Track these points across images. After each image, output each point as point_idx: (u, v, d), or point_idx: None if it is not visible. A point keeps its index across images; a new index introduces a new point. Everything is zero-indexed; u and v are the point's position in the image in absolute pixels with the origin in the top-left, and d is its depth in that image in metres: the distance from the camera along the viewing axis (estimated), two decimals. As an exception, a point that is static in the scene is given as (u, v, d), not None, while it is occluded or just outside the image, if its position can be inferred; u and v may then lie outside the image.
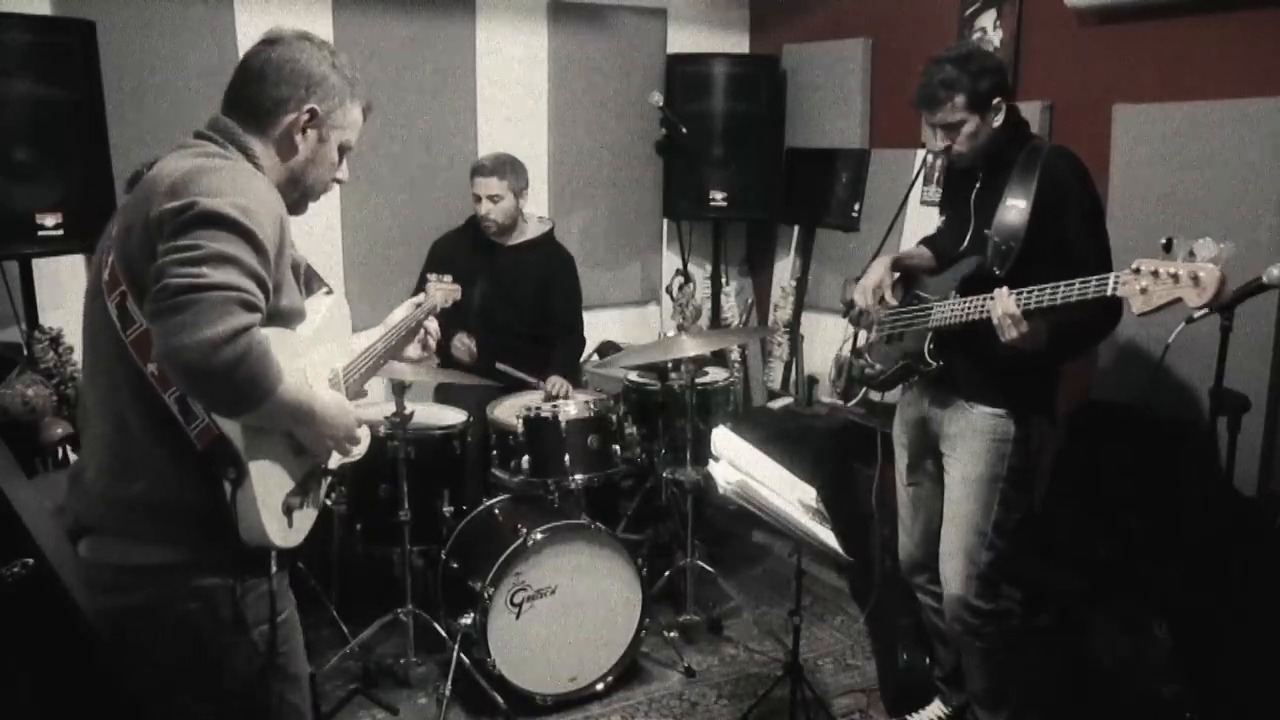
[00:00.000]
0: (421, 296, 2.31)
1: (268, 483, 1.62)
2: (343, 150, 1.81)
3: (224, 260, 1.46)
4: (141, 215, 1.55)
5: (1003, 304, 2.30)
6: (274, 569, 1.70)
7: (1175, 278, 2.00)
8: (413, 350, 2.20)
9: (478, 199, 3.79)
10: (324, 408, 1.66)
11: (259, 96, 1.71)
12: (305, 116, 1.72)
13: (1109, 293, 2.12)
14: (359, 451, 1.83)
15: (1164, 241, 2.05)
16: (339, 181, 1.85)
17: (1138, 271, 2.06)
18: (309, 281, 1.89)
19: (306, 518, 1.75)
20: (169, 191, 1.53)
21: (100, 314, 1.63)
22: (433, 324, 2.22)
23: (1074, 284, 2.19)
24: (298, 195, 1.78)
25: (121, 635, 1.69)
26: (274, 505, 1.64)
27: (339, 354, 1.89)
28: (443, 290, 2.45)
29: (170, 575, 1.63)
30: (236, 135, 1.69)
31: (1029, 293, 2.28)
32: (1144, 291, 2.05)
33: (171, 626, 1.65)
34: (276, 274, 1.58)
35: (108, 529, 1.66)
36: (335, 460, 1.80)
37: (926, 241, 2.95)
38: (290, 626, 1.77)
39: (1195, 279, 1.97)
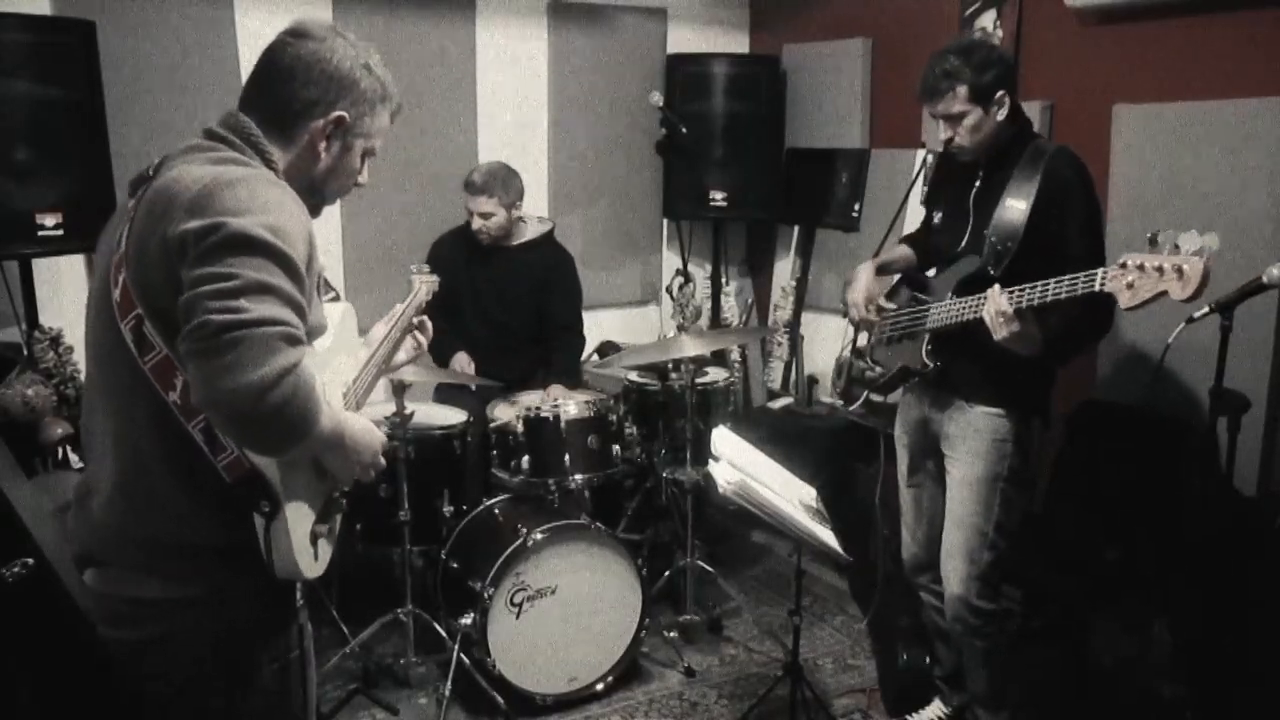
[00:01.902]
0: (398, 307, 2.22)
1: (297, 513, 1.55)
2: (366, 156, 1.70)
3: (263, 290, 1.35)
4: (158, 233, 1.43)
5: (994, 302, 2.30)
6: (300, 601, 1.62)
7: (1160, 271, 2.00)
8: (405, 352, 2.12)
9: (470, 213, 3.78)
10: (353, 432, 1.59)
11: (284, 97, 1.58)
12: (332, 124, 1.60)
13: (1097, 288, 2.12)
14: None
15: (1150, 236, 2.06)
16: (359, 186, 1.74)
17: (1124, 266, 2.06)
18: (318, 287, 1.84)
19: (328, 546, 1.68)
20: (189, 208, 1.40)
21: (111, 335, 1.50)
22: (426, 321, 2.15)
23: (1063, 280, 2.20)
24: (314, 202, 1.65)
25: (132, 666, 1.61)
26: (303, 536, 1.56)
27: (349, 366, 1.83)
28: (426, 283, 2.43)
29: (187, 610, 1.55)
30: (255, 138, 1.56)
31: (1019, 291, 2.28)
32: (1130, 286, 2.05)
33: (186, 661, 1.58)
34: (307, 293, 1.48)
35: (119, 562, 1.56)
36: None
37: (909, 240, 2.95)
38: (306, 660, 1.72)
39: (1179, 271, 1.98)
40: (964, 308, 2.45)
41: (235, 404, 1.32)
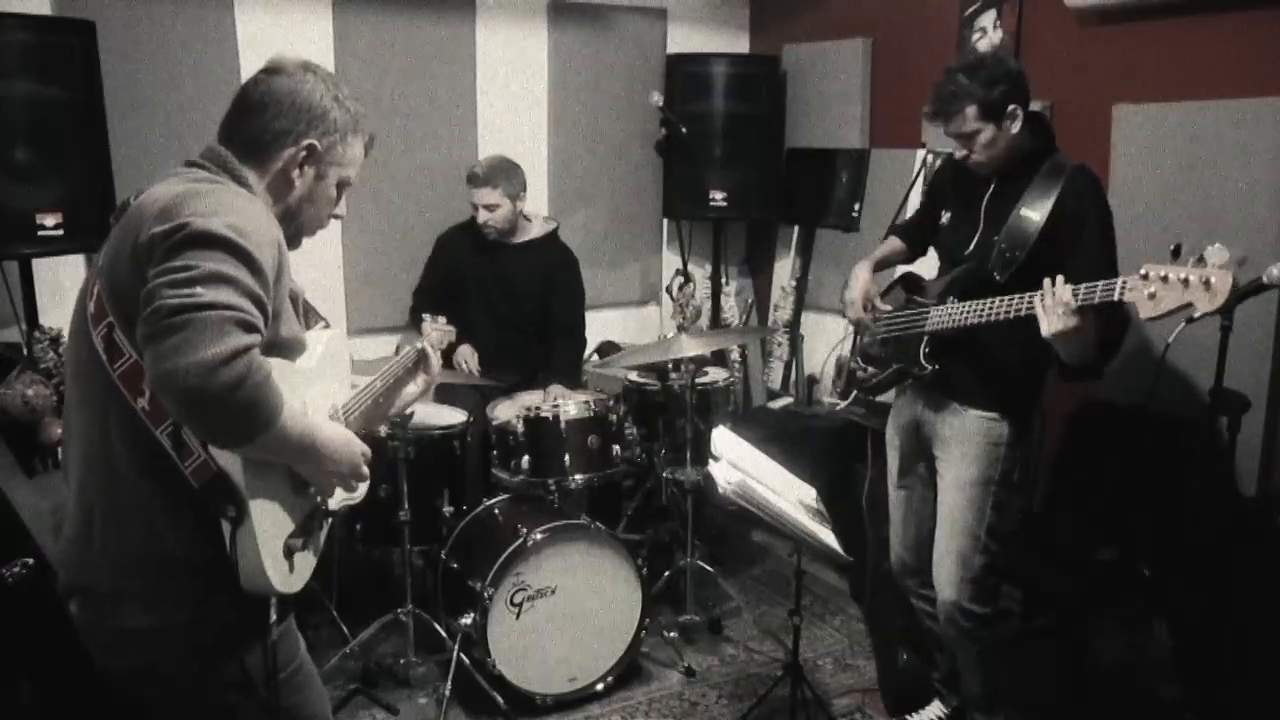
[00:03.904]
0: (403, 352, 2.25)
1: (268, 523, 1.53)
2: (341, 186, 1.75)
3: (219, 280, 1.38)
4: (129, 241, 1.48)
5: (1057, 292, 2.19)
6: (274, 617, 1.61)
7: (1186, 283, 1.97)
8: (411, 388, 2.13)
9: (475, 207, 3.80)
10: (327, 441, 1.58)
11: (257, 129, 1.64)
12: (304, 153, 1.65)
13: (1115, 297, 2.09)
14: (361, 490, 1.75)
15: (1173, 247, 2.03)
16: (336, 217, 1.79)
17: (1146, 277, 2.03)
18: (305, 314, 1.83)
19: (307, 562, 1.67)
20: (159, 215, 1.45)
21: (85, 347, 1.54)
22: (435, 361, 2.17)
23: (1079, 288, 2.16)
24: (292, 231, 1.69)
25: (120, 692, 1.63)
26: (275, 547, 1.55)
27: (338, 390, 1.83)
28: (438, 332, 2.46)
29: (171, 637, 1.56)
30: (231, 165, 1.63)
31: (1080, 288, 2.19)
32: (1153, 297, 2.02)
33: (174, 686, 1.60)
34: (275, 300, 1.51)
35: (102, 590, 1.57)
36: (336, 501, 1.73)
37: (898, 230, 2.94)
38: (304, 674, 1.72)
39: (1207, 284, 1.94)
40: (1011, 305, 2.34)
41: (183, 382, 1.32)
